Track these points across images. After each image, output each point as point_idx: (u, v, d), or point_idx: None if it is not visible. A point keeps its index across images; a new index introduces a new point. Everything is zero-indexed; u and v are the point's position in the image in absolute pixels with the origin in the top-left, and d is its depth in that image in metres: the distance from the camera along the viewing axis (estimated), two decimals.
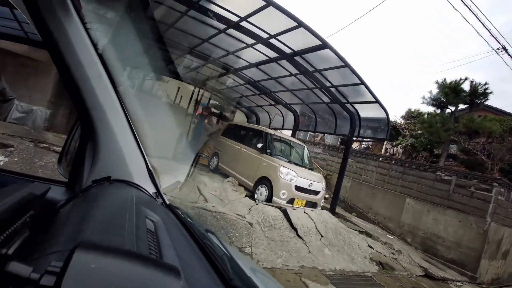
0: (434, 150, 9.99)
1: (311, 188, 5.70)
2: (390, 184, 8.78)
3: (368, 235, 6.33)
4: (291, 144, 6.64)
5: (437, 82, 9.90)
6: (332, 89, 6.32)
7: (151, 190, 0.91)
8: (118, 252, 0.34)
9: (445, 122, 9.24)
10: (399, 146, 10.46)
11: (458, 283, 5.63)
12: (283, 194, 5.28)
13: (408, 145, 10.13)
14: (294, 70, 6.10)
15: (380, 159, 9.17)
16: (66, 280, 0.28)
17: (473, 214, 6.90)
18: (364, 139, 11.82)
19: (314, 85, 6.29)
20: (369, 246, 5.41)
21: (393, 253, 5.56)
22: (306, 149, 6.93)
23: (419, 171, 8.17)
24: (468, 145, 8.42)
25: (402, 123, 11.34)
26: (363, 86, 5.80)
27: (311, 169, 6.66)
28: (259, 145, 6.05)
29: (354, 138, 7.50)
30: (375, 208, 8.98)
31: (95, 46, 0.77)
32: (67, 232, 0.50)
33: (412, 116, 12.18)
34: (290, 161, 5.91)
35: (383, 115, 6.41)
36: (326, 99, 7.06)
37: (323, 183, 6.09)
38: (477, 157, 8.42)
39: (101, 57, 0.79)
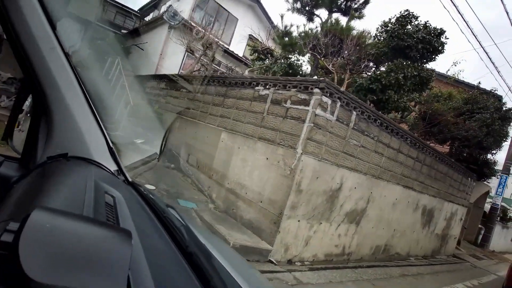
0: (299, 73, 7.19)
1: None
2: (212, 115, 5.78)
3: None
4: None
5: None
6: None
7: (113, 167, 0.85)
8: (73, 216, 0.35)
9: (307, 33, 6.34)
10: (247, 71, 7.54)
11: None
12: None
13: (263, 69, 7.23)
14: None
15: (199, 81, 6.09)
16: (23, 236, 0.29)
17: (282, 145, 4.09)
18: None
19: None
20: None
21: None
22: None
23: (240, 89, 5.21)
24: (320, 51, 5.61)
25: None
26: None
27: None
28: None
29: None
30: (194, 153, 5.98)
31: (48, 17, 0.70)
32: (22, 204, 0.50)
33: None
34: None
35: None
36: None
37: None
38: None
39: (54, 29, 0.71)
